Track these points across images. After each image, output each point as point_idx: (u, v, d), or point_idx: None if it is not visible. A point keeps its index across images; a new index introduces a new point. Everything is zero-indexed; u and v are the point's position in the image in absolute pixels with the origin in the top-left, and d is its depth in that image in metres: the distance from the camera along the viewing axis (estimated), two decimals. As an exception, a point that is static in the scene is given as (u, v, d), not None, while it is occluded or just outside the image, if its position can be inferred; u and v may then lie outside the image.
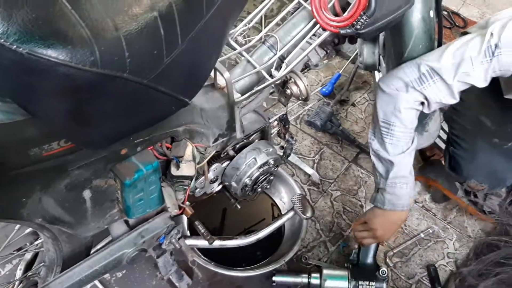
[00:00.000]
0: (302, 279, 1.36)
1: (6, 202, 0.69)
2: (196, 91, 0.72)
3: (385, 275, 1.31)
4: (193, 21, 0.60)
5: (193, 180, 0.91)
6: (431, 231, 1.59)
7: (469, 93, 1.39)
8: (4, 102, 0.56)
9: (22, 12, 0.47)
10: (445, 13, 2.19)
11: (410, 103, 1.09)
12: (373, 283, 1.30)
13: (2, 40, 0.46)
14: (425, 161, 1.74)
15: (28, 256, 1.31)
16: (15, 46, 0.46)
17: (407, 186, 1.17)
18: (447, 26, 2.15)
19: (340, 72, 1.98)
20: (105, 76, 0.50)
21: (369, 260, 1.36)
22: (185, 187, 0.93)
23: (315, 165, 1.74)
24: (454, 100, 1.08)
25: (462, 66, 1.02)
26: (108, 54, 0.50)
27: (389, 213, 1.20)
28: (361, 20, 0.97)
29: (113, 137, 0.67)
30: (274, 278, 1.36)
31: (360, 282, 1.31)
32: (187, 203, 1.19)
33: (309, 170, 1.70)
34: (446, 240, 1.58)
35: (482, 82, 1.03)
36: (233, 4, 0.71)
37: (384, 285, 1.31)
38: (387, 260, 1.50)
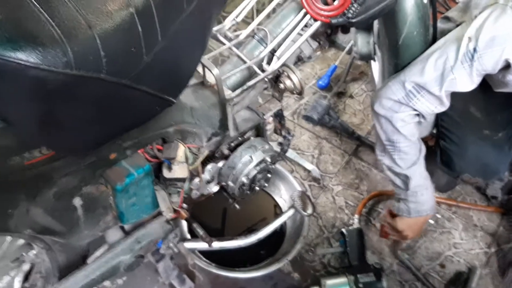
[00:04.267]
0: None
1: (-10, 214, 0.66)
2: (181, 89, 0.69)
3: (379, 266, 1.33)
4: (173, 16, 0.58)
5: (187, 182, 0.88)
6: (436, 222, 1.56)
7: None
8: (-23, 110, 0.53)
9: (-13, 13, 0.44)
10: (440, -2, 2.15)
11: (405, 120, 1.11)
12: (371, 273, 1.31)
13: (-33, 45, 0.43)
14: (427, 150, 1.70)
15: (26, 267, 1.28)
16: (-19, 51, 0.43)
17: (427, 191, 1.21)
18: (442, 12, 2.10)
19: (336, 64, 1.95)
20: (80, 77, 0.48)
21: (360, 258, 1.38)
22: (178, 189, 0.90)
23: (315, 160, 1.71)
24: (445, 107, 1.10)
25: (445, 76, 1.02)
26: (82, 54, 0.47)
27: (416, 219, 1.24)
28: (352, 8, 0.95)
29: (94, 142, 0.64)
30: None
31: (358, 275, 1.31)
32: (185, 205, 1.17)
33: (309, 166, 1.67)
34: (452, 231, 1.55)
35: (469, 85, 1.04)
36: (216, -3, 0.69)
37: (382, 274, 1.32)
38: (398, 253, 1.48)
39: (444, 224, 1.56)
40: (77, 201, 0.82)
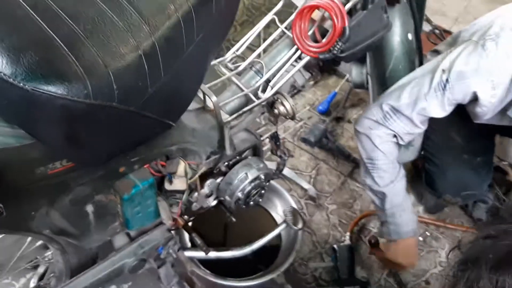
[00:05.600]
0: None
1: (17, 215, 0.79)
2: (179, 114, 0.81)
3: (365, 280, 1.44)
4: (174, 57, 0.71)
5: (185, 193, 1.00)
6: (423, 241, 1.65)
7: None
8: (13, 129, 0.66)
9: (27, 55, 0.58)
10: (437, 31, 2.28)
11: (383, 138, 1.21)
12: (358, 286, 1.41)
13: (11, 79, 0.56)
14: (418, 173, 1.80)
15: (41, 270, 1.41)
16: (21, 84, 0.56)
17: (405, 213, 1.28)
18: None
19: (336, 91, 2.06)
20: (96, 106, 0.61)
21: (349, 273, 1.48)
22: (177, 200, 1.02)
23: (312, 180, 1.82)
24: (419, 129, 1.20)
25: (418, 103, 1.13)
26: (99, 88, 0.60)
27: (399, 241, 1.30)
28: (337, 46, 1.07)
29: (106, 156, 0.77)
30: None
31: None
32: (185, 217, 1.28)
33: (306, 185, 1.78)
34: (439, 250, 1.64)
35: (441, 112, 1.14)
36: (213, 40, 0.82)
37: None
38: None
39: (431, 244, 1.65)
40: (90, 208, 0.94)
